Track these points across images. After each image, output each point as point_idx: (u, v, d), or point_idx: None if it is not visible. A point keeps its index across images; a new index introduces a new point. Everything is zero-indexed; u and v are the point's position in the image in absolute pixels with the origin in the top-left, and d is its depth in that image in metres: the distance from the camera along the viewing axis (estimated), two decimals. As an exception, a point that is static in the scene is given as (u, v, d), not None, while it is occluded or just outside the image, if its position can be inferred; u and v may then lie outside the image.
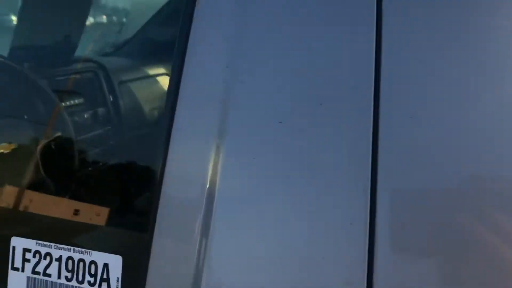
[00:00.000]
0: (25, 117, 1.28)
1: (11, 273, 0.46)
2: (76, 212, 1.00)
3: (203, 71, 0.61)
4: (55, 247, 0.44)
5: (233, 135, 0.56)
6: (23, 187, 1.03)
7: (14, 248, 0.46)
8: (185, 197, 0.54)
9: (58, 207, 1.05)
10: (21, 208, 0.96)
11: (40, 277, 0.45)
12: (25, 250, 0.45)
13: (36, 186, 1.19)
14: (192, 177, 0.55)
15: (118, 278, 0.45)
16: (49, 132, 1.25)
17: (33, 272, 0.45)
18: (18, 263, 0.46)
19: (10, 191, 0.97)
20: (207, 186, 0.53)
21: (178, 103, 0.61)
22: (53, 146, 1.25)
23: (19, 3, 1.48)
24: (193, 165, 0.56)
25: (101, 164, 1.35)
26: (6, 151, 1.11)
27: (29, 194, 0.99)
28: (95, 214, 0.98)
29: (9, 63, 1.18)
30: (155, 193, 0.50)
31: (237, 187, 0.53)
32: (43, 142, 1.22)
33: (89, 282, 0.43)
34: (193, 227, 0.50)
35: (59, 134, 1.27)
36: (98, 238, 0.64)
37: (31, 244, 0.45)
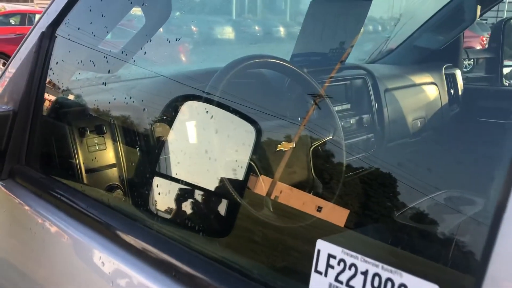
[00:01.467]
0: (299, 119, 1.36)
1: (314, 275, 0.47)
2: (319, 209, 1.00)
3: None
4: (362, 259, 0.42)
5: None
6: (275, 180, 1.08)
7: (319, 251, 0.46)
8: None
9: (302, 201, 1.08)
10: (272, 197, 1.01)
11: (343, 286, 0.43)
12: (330, 256, 0.45)
13: (304, 185, 1.25)
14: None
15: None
16: (321, 134, 1.30)
17: (336, 280, 0.44)
18: (321, 267, 0.46)
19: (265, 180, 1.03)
20: None
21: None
22: (324, 148, 1.30)
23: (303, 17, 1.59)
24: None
25: (366, 171, 1.34)
26: (284, 149, 1.19)
27: (280, 186, 1.04)
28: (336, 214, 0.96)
29: (294, 67, 1.27)
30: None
31: None
32: (316, 144, 1.28)
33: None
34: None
35: (330, 137, 1.31)
36: (407, 258, 0.60)
37: (336, 250, 0.44)
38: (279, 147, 1.17)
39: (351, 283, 0.43)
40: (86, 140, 1.08)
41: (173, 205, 0.90)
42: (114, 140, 1.12)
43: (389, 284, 0.40)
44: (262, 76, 1.43)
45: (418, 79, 2.06)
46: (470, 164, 1.24)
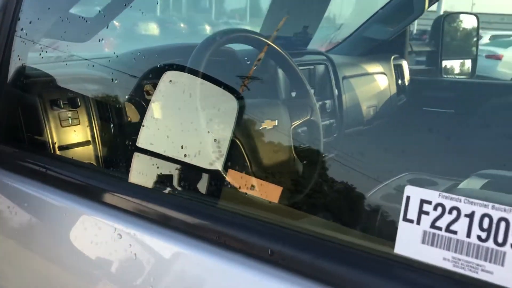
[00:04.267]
0: (282, 97, 1.34)
1: (402, 225, 0.43)
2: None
3: None
4: (466, 201, 0.39)
5: None
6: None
7: (408, 198, 0.43)
8: None
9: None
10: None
11: (442, 232, 0.41)
12: (423, 202, 0.42)
13: (286, 164, 1.22)
14: None
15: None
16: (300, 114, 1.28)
17: (432, 226, 0.41)
18: (412, 214, 0.42)
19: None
20: None
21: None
22: (304, 128, 1.28)
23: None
24: None
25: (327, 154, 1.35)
26: (268, 127, 1.15)
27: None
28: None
29: (278, 48, 1.24)
30: None
31: None
32: (295, 123, 1.25)
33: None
34: None
35: (308, 117, 1.29)
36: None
37: (432, 195, 0.41)
38: (263, 125, 1.14)
39: (453, 227, 0.40)
40: (59, 114, 0.97)
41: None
42: (88, 115, 1.02)
43: (502, 225, 0.37)
44: (232, 54, 1.38)
45: (370, 68, 2.11)
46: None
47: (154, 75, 1.03)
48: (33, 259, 0.84)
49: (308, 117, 1.30)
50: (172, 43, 1.34)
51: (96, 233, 0.74)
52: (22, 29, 0.90)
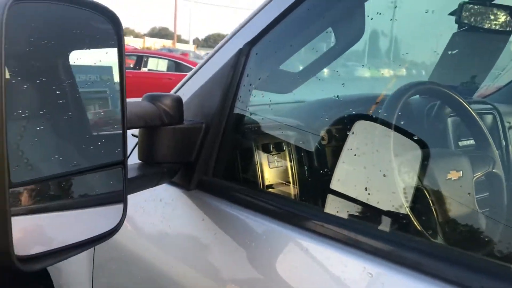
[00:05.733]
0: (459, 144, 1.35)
1: None
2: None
3: None
4: None
5: None
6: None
7: None
8: None
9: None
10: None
11: None
12: None
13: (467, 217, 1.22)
14: None
15: None
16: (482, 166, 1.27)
17: None
18: None
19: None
20: None
21: None
22: (484, 180, 1.27)
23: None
24: None
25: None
26: (454, 178, 1.16)
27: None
28: None
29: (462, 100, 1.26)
30: None
31: None
32: (477, 175, 1.25)
33: None
34: None
35: (490, 170, 1.28)
36: None
37: None
38: (449, 176, 1.15)
39: None
40: (268, 156, 1.09)
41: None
42: (289, 158, 1.12)
43: None
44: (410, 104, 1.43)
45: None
46: None
47: (340, 123, 1.12)
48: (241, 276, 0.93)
49: (489, 169, 1.28)
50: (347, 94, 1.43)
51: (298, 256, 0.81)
52: (247, 81, 1.05)
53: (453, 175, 1.16)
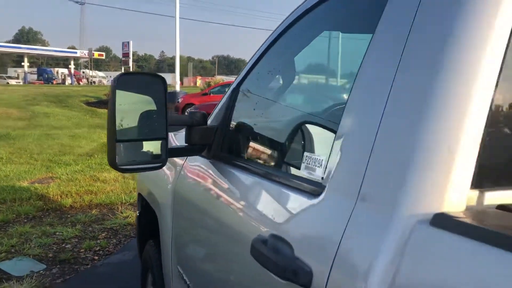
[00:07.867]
0: None
1: None
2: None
3: None
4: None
5: None
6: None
7: None
8: None
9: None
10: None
11: None
12: None
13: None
14: None
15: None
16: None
17: None
18: None
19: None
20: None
21: None
22: None
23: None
24: None
25: None
26: None
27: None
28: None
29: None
30: None
31: None
32: None
33: None
34: None
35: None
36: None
37: None
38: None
39: None
40: (250, 142, 2.09)
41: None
42: (261, 143, 2.11)
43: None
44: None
45: None
46: None
47: (285, 125, 2.06)
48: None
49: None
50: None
51: (264, 193, 1.80)
52: (237, 107, 2.09)
53: None
